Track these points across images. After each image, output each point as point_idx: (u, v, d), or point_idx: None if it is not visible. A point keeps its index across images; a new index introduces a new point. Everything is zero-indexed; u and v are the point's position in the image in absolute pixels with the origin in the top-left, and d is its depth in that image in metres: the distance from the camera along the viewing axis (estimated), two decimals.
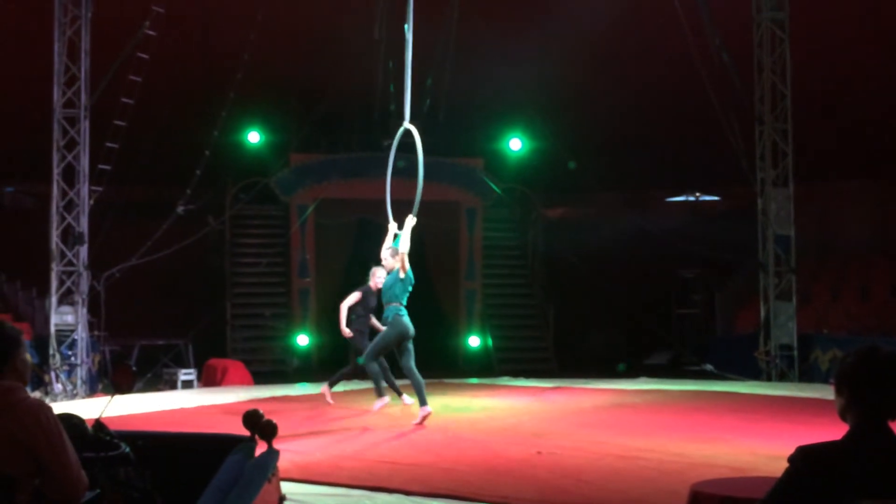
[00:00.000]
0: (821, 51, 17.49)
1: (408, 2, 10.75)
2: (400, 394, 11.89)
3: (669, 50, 17.38)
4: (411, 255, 10.79)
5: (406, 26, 10.58)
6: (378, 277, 11.62)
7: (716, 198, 22.39)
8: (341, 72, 17.40)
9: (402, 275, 10.63)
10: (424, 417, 10.65)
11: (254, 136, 19.84)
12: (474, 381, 16.68)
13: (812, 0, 16.64)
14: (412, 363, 10.80)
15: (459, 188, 19.66)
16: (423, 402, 10.75)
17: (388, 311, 10.86)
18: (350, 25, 17.18)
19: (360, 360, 11.57)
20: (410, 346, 10.86)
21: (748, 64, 16.66)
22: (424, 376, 10.74)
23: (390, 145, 11.27)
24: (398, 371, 11.26)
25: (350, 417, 11.43)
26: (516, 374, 17.46)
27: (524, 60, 18.35)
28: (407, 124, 10.79)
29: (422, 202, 10.84)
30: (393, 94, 16.99)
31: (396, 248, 10.78)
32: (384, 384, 11.55)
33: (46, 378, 14.79)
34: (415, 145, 10.83)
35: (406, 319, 10.76)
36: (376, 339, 11.26)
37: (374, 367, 11.19)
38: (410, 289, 10.85)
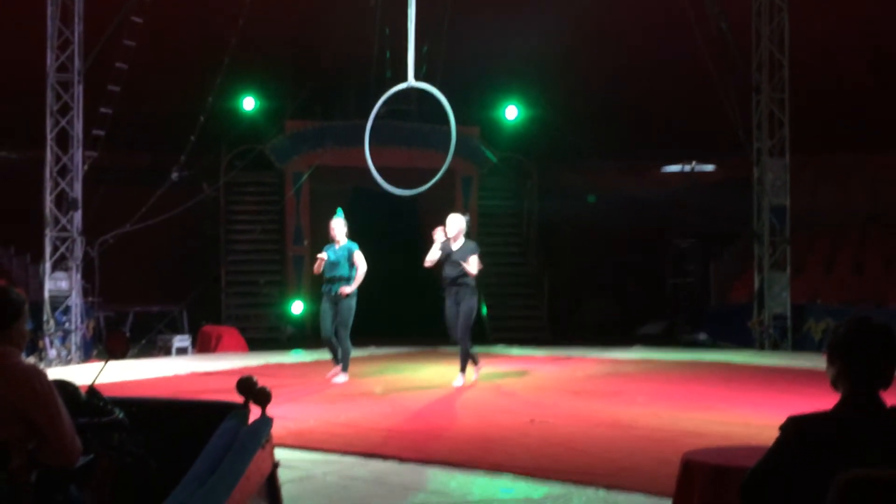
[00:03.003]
0: (819, 20, 17.41)
1: None
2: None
3: (667, 18, 17.30)
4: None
5: None
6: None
7: (711, 167, 22.36)
8: (337, 38, 17.28)
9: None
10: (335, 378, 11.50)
11: (249, 103, 19.75)
12: None
13: None
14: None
15: (455, 156, 19.58)
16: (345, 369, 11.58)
17: (339, 285, 11.39)
18: None
19: None
20: None
21: (746, 33, 16.59)
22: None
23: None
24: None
25: (344, 384, 11.46)
26: (511, 342, 17.51)
27: (520, 29, 18.26)
28: (413, 82, 10.46)
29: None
30: (388, 60, 16.89)
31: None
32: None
33: (41, 344, 14.83)
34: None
35: None
36: (345, 316, 11.46)
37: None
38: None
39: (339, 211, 11.94)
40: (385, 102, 10.51)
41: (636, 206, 20.15)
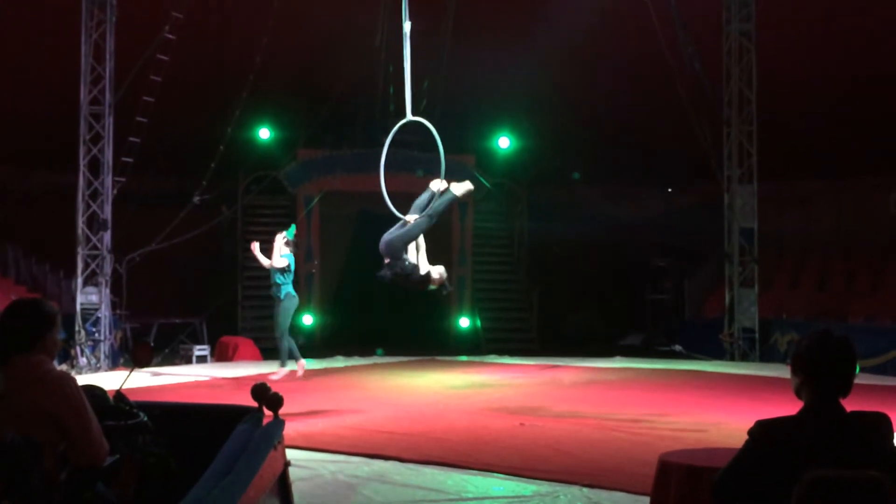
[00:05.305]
0: (784, 60, 17.48)
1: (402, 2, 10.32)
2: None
3: (646, 59, 17.35)
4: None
5: (404, 23, 10.26)
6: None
7: (686, 193, 22.37)
8: (345, 75, 17.35)
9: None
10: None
11: (264, 133, 19.78)
12: (464, 358, 16.70)
13: (777, 14, 16.62)
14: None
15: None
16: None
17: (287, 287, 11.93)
18: (353, 32, 17.13)
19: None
20: None
21: (718, 72, 16.65)
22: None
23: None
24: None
25: (350, 391, 11.43)
26: (502, 352, 17.47)
27: (513, 66, 18.31)
28: (411, 117, 10.42)
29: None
30: (392, 95, 16.91)
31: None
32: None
33: (72, 352, 14.80)
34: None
35: None
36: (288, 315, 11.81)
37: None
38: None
39: (292, 227, 12.15)
40: (393, 134, 10.40)
41: (617, 228, 20.15)
